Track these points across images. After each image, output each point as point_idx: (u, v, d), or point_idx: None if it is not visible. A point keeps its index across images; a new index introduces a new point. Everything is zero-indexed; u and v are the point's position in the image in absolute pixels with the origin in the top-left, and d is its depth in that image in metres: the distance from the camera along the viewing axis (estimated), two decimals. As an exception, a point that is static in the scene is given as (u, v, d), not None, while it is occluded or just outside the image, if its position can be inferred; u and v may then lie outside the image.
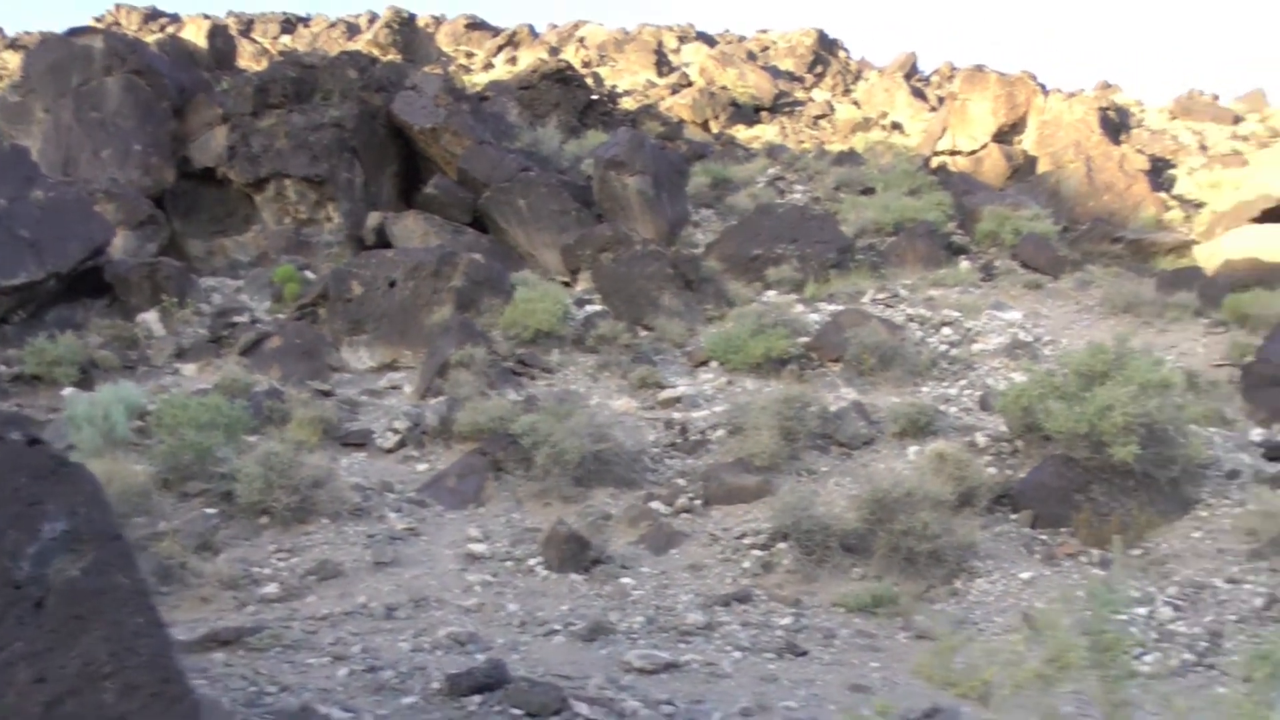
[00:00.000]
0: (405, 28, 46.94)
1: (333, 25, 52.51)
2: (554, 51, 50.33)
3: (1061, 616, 5.35)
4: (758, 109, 44.35)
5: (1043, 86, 36.85)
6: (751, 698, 8.31)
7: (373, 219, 24.99)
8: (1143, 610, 10.87)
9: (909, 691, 8.31)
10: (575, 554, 11.77)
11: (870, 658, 9.79)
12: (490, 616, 10.42)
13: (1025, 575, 11.73)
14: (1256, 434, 15.10)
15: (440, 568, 11.69)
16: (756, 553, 12.21)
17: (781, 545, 12.13)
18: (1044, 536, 12.59)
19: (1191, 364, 18.03)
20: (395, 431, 15.47)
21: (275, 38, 50.11)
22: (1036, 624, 5.49)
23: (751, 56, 51.40)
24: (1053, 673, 5.21)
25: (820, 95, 49.48)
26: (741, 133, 40.73)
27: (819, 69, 53.12)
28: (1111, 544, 11.78)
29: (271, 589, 10.88)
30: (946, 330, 19.93)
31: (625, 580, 11.59)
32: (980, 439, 14.74)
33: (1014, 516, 12.95)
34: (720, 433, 15.36)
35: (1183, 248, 27.50)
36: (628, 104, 41.39)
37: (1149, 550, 12.16)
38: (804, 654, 9.85)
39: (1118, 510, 12.51)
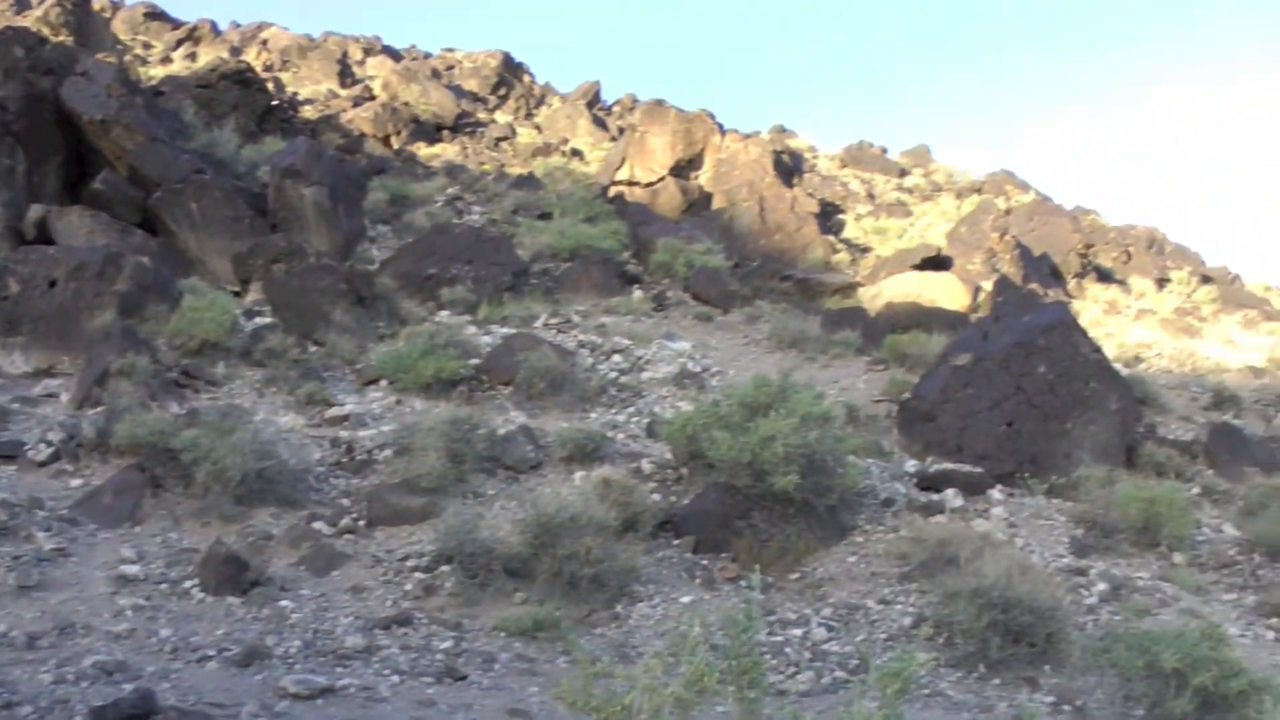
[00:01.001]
0: (79, 9, 44.63)
1: (-1, -3, 49.72)
2: (235, 51, 48.79)
3: (699, 641, 5.52)
4: (439, 127, 44.11)
5: (720, 126, 37.93)
6: (408, 723, 8.30)
7: (34, 212, 23.69)
8: (798, 631, 11.37)
9: (568, 717, 8.42)
10: (233, 576, 11.43)
11: (530, 682, 9.88)
12: (141, 643, 10.02)
13: (686, 599, 11.99)
14: (910, 465, 16.02)
15: (90, 591, 11.14)
16: (419, 575, 12.11)
17: (444, 568, 12.05)
18: (705, 561, 12.93)
19: (853, 398, 18.90)
20: (49, 443, 14.68)
21: (-66, 5, 47.05)
22: (675, 649, 5.64)
23: (436, 74, 51.10)
24: (691, 696, 5.36)
25: (503, 118, 49.61)
26: (422, 150, 40.47)
27: (503, 91, 53.27)
28: (771, 568, 12.31)
29: (-102, 619, 10.23)
30: (617, 358, 20.29)
31: (284, 603, 11.32)
32: (646, 465, 15.00)
33: (677, 542, 13.25)
34: (387, 453, 15.15)
35: (848, 289, 29.02)
36: (308, 112, 40.57)
37: (806, 574, 12.70)
38: (464, 678, 9.87)
39: (777, 536, 12.98)
